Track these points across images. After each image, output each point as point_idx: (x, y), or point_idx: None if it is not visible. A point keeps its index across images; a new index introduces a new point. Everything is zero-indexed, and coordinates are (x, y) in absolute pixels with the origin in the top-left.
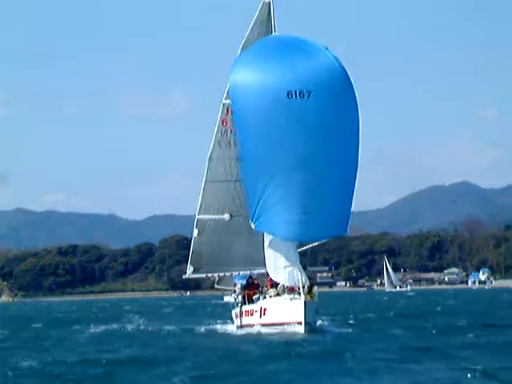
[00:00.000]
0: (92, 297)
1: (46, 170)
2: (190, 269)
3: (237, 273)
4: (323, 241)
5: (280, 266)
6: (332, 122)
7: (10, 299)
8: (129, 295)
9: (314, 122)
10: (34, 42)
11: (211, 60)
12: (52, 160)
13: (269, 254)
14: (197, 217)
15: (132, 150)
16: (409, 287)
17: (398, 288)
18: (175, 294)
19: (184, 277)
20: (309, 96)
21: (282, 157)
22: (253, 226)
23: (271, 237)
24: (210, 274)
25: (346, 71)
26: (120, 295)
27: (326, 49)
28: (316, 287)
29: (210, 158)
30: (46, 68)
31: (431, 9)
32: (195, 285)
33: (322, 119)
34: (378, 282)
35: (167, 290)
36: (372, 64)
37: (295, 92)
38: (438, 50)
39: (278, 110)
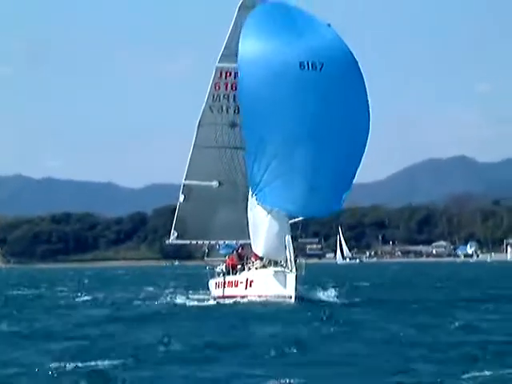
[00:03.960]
0: (84, 265)
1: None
2: (173, 234)
3: (222, 242)
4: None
5: (266, 239)
6: (343, 94)
7: (3, 265)
8: (120, 264)
9: (325, 95)
10: None
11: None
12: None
13: (254, 225)
14: (183, 182)
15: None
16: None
17: (347, 260)
18: (164, 263)
19: (167, 242)
20: (321, 68)
21: (290, 129)
22: (254, 199)
23: (258, 208)
24: (193, 241)
25: (347, 47)
26: (112, 263)
27: (329, 25)
28: (303, 260)
29: (200, 124)
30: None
31: None
32: (187, 255)
33: (334, 92)
34: (367, 254)
35: (158, 259)
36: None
37: (307, 63)
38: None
39: (289, 82)
